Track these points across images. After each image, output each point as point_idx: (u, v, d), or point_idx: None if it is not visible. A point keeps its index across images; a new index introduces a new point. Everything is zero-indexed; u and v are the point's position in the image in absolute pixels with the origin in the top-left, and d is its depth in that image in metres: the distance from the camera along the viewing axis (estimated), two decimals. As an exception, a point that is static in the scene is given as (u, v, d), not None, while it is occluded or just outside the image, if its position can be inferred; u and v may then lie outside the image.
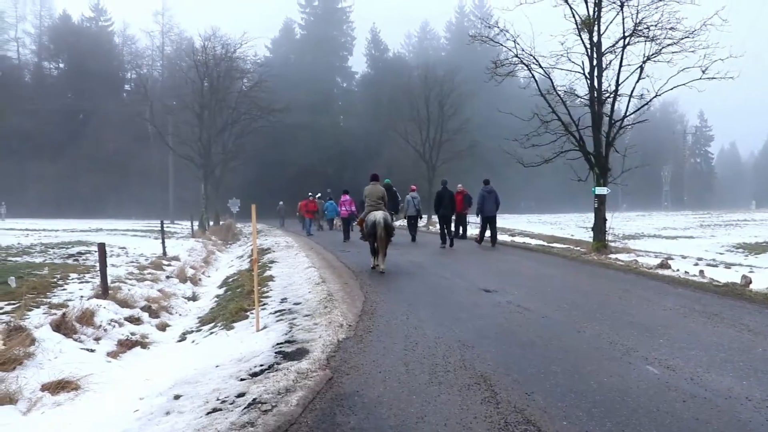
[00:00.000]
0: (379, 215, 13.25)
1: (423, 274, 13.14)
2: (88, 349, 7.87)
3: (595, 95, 18.16)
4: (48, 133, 65.63)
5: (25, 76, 76.49)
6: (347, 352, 6.50)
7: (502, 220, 33.55)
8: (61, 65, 77.23)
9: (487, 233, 20.40)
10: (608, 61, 18.16)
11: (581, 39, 18.11)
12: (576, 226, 29.79)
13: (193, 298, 12.53)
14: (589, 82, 18.26)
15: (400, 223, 23.58)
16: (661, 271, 13.14)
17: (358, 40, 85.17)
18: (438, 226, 20.47)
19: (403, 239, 21.08)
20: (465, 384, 5.36)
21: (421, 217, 23.35)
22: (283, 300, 9.82)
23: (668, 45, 16.96)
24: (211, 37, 41.76)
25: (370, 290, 10.53)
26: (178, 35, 76.32)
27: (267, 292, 10.75)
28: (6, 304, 9.62)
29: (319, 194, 33.63)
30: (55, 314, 8.62)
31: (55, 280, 12.39)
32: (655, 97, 17.88)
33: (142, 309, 10.10)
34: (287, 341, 7.10)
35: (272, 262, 15.66)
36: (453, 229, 20.88)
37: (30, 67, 78.08)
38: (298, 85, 65.89)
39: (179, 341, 8.83)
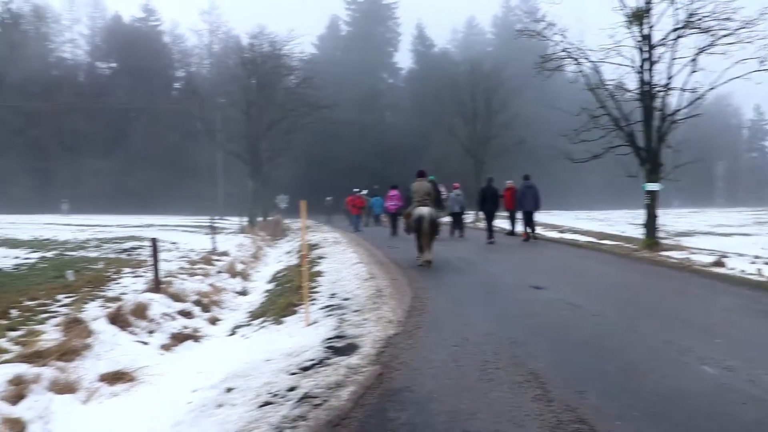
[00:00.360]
0: (425, 210, 13.33)
1: (470, 270, 13.08)
2: (142, 342, 8.04)
3: (646, 89, 17.77)
4: (101, 131, 67.24)
5: (79, 76, 78.43)
6: (397, 347, 6.50)
7: (550, 217, 33.15)
8: (113, 65, 78.90)
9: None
10: (659, 54, 17.75)
11: (631, 32, 17.73)
12: (626, 222, 29.30)
13: (243, 292, 12.68)
14: (639, 75, 17.89)
15: (446, 219, 23.51)
16: (715, 269, 12.80)
17: (403, 36, 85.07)
18: (485, 222, 20.39)
19: (448, 235, 20.99)
20: (516, 381, 5.31)
21: (465, 214, 23.29)
22: (332, 295, 9.87)
23: (723, 36, 16.47)
24: (258, 35, 42.13)
25: (419, 286, 10.52)
26: (226, 33, 77.28)
27: (316, 287, 10.81)
28: (65, 297, 9.88)
29: (366, 190, 33.64)
30: (110, 307, 8.83)
31: (109, 274, 12.68)
32: (709, 90, 17.38)
33: (194, 303, 10.27)
34: (337, 336, 7.14)
35: (321, 257, 15.74)
36: (512, 225, 21.04)
37: (84, 67, 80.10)
38: (344, 82, 66.05)
39: (230, 335, 8.95)
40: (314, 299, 9.63)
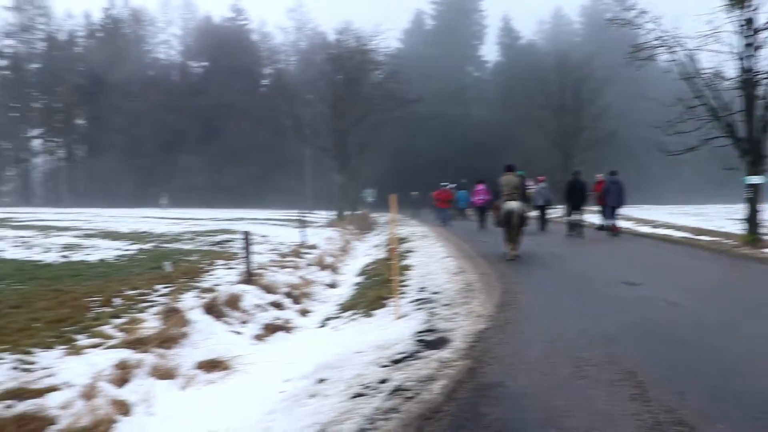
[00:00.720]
0: (514, 204, 13.34)
1: (560, 264, 12.85)
2: (235, 332, 8.28)
3: (748, 77, 16.93)
4: (194, 129, 69.61)
5: (173, 75, 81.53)
6: (488, 342, 6.45)
7: (642, 211, 32.07)
8: (205, 64, 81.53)
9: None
10: (763, 39, 16.87)
11: (732, 16, 16.91)
12: (723, 218, 28.10)
13: (332, 285, 12.86)
14: (740, 62, 17.06)
15: (533, 213, 23.17)
16: (824, 267, 12.12)
17: (489, 29, 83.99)
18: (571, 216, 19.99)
19: (536, 229, 20.66)
20: (611, 379, 5.18)
21: (550, 208, 22.96)
22: (421, 289, 9.88)
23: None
24: (344, 31, 42.58)
25: (509, 281, 10.40)
26: (312, 30, 78.53)
27: (405, 281, 10.85)
28: (162, 287, 10.27)
29: (454, 184, 33.44)
30: (206, 298, 9.13)
31: (203, 266, 13.08)
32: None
33: (285, 295, 10.49)
34: (427, 330, 7.15)
35: (409, 251, 15.78)
36: (603, 220, 20.72)
37: (177, 66, 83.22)
38: (430, 76, 65.85)
39: (320, 327, 9.09)
40: (403, 293, 9.66)
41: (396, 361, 6.05)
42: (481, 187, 25.02)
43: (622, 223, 21.50)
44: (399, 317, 8.13)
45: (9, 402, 5.06)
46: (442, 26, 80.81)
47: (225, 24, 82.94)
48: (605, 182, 20.52)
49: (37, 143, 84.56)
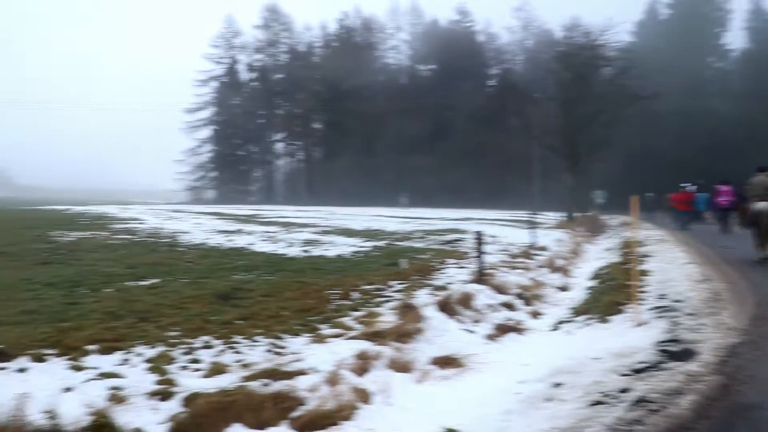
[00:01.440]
0: (763, 205, 12.66)
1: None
2: (468, 330, 8.35)
3: None
4: (422, 130, 71.78)
5: (401, 79, 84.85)
6: (742, 358, 5.89)
7: None
8: (432, 67, 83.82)
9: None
10: None
11: None
12: None
13: (563, 288, 12.53)
14: None
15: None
16: None
17: (734, 13, 76.47)
18: None
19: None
20: None
21: None
22: (661, 296, 9.29)
23: None
24: (572, 27, 41.46)
25: (764, 291, 9.43)
26: (539, 28, 77.46)
27: (643, 287, 10.27)
28: (396, 283, 10.67)
29: (694, 186, 31.12)
30: (438, 296, 9.32)
31: (434, 264, 13.39)
32: None
33: (516, 296, 10.39)
34: (670, 340, 6.68)
35: (646, 256, 14.94)
36: None
37: (405, 70, 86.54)
38: (666, 70, 61.79)
39: (552, 330, 8.88)
40: (642, 299, 9.14)
41: (637, 371, 5.73)
42: (726, 188, 23.08)
43: None
44: (638, 324, 7.71)
45: (266, 380, 5.55)
46: (679, 15, 75.54)
47: (451, 27, 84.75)
48: None
49: (279, 146, 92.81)
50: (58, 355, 5.95)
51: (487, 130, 67.44)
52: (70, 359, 5.87)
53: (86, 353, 6.05)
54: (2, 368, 5.54)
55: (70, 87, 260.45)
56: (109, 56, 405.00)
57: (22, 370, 5.56)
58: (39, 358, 5.83)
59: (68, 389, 5.14)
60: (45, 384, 5.17)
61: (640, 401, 4.91)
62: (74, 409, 4.73)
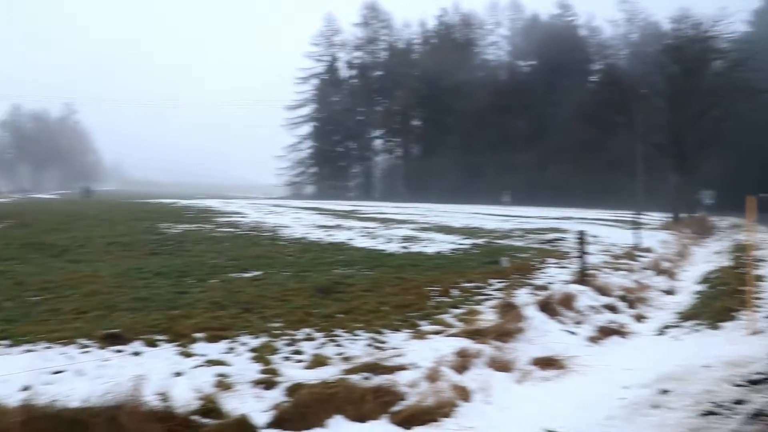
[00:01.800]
0: None
1: None
2: (569, 332, 8.20)
3: None
4: (521, 126, 70.69)
5: (501, 75, 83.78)
6: None
7: None
8: (533, 62, 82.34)
9: None
10: None
11: None
12: None
13: (669, 291, 12.08)
14: None
15: None
16: None
17: None
18: None
19: None
20: None
21: None
22: (779, 304, 8.83)
23: None
24: (680, 19, 39.73)
25: None
26: (644, 20, 74.49)
27: (758, 293, 9.76)
28: (496, 281, 10.57)
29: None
30: (539, 295, 9.18)
31: (534, 263, 13.17)
32: None
33: (619, 298, 10.13)
34: (791, 351, 6.35)
35: (760, 260, 14.16)
36: None
37: (505, 66, 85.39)
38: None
39: (658, 334, 8.60)
40: (757, 306, 8.69)
41: (753, 382, 5.48)
42: None
43: None
44: (753, 333, 7.35)
45: (366, 374, 5.64)
46: (801, 0, 70.75)
47: (552, 21, 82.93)
48: None
49: (378, 143, 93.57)
50: (168, 341, 6.27)
51: (590, 127, 65.48)
52: (179, 345, 6.17)
53: (194, 340, 6.33)
54: (119, 350, 5.89)
55: (177, 86, 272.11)
56: (213, 56, 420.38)
57: (136, 354, 5.90)
58: (151, 343, 6.16)
59: (178, 374, 5.41)
60: (157, 368, 5.47)
61: (759, 415, 4.69)
62: (184, 393, 4.98)
